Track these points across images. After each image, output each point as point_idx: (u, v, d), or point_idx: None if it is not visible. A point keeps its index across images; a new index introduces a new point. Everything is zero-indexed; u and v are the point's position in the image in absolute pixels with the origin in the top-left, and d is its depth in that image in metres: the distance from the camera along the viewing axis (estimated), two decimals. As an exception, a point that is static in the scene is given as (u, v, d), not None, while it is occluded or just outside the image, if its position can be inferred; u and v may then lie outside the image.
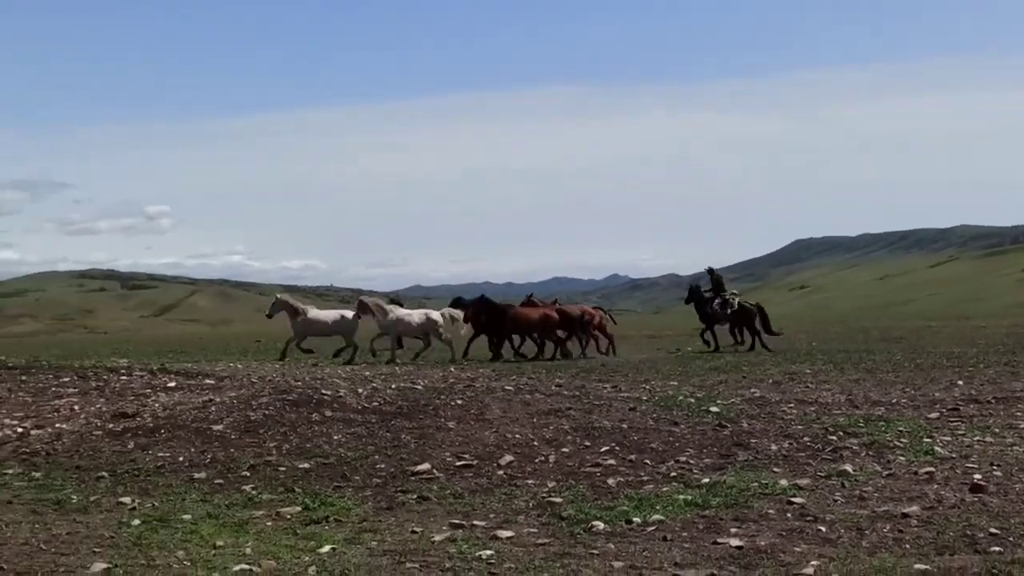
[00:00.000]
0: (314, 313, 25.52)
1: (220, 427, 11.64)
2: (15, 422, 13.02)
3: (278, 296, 26.45)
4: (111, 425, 12.11)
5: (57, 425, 12.48)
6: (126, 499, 8.67)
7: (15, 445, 11.34)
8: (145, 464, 10.11)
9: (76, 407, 13.96)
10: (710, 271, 30.91)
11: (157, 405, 13.45)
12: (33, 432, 12.11)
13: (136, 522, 7.82)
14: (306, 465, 10.05)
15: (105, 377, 17.43)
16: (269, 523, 7.89)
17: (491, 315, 26.21)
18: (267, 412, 12.39)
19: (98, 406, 13.97)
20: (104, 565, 6.52)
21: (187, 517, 7.98)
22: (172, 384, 16.23)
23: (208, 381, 16.60)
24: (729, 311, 28.98)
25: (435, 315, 25.78)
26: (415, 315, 26.02)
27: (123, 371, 18.57)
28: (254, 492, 8.99)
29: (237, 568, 6.46)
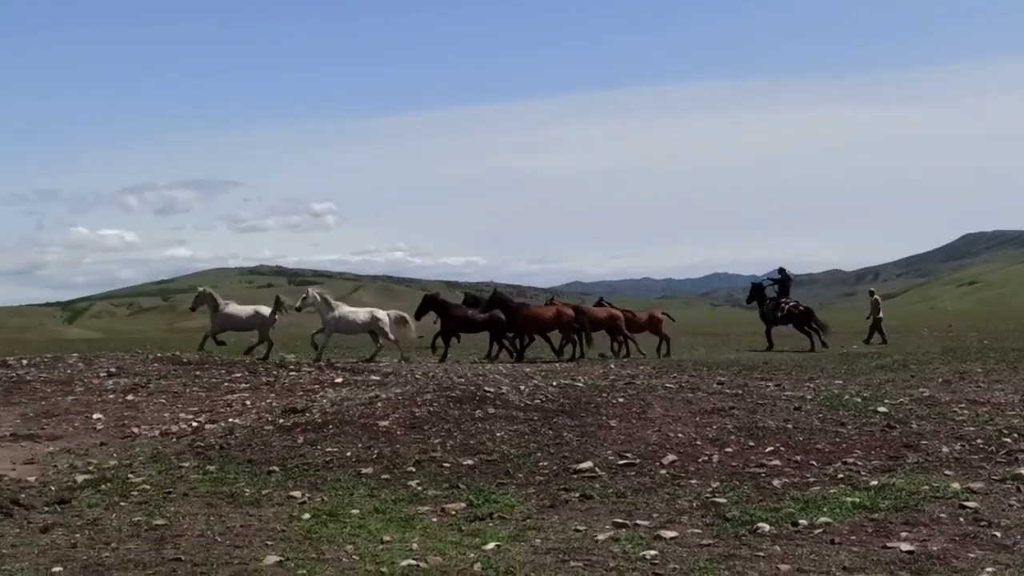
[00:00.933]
0: (232, 308, 25.55)
1: (386, 423, 11.80)
2: (190, 416, 13.53)
3: (201, 290, 26.46)
4: (281, 420, 12.43)
5: (230, 420, 12.90)
6: (296, 493, 8.86)
7: (191, 439, 11.76)
8: (314, 459, 10.32)
9: (248, 402, 14.41)
10: (781, 271, 30.63)
11: (325, 401, 13.74)
12: (207, 426, 12.54)
13: (306, 516, 7.97)
14: (470, 462, 10.09)
15: (275, 373, 17.98)
16: (434, 519, 7.94)
17: (506, 313, 25.85)
18: (431, 408, 12.51)
19: (268, 401, 14.39)
20: (276, 558, 6.66)
21: (355, 512, 8.10)
22: (339, 380, 16.61)
23: (374, 377, 16.91)
24: (779, 314, 28.96)
25: (380, 314, 25.23)
26: (360, 313, 25.52)
27: (292, 367, 19.12)
28: (419, 488, 9.06)
29: (404, 563, 6.50)
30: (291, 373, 17.91)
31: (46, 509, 8.40)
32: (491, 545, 6.99)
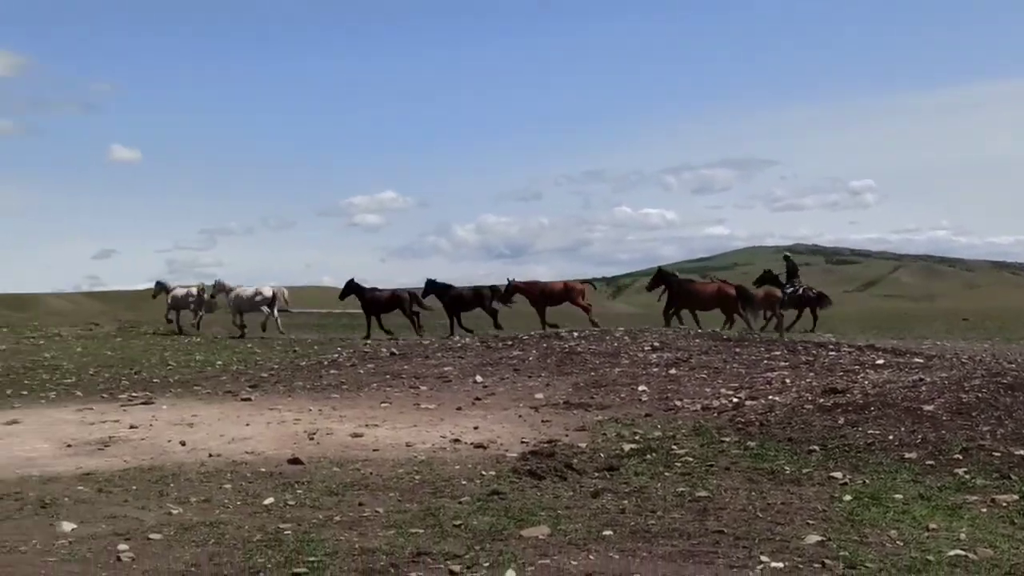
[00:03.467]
0: (177, 290, 30.07)
1: (931, 407, 11.24)
2: (731, 392, 13.84)
3: (158, 281, 31.85)
4: (821, 400, 12.32)
5: (770, 397, 13.02)
6: (837, 474, 8.75)
7: (731, 414, 12.04)
8: (855, 440, 10.11)
9: (787, 380, 14.44)
10: (786, 257, 31.06)
11: (866, 382, 13.41)
12: (747, 403, 12.76)
13: (847, 497, 7.85)
14: (1022, 452, 9.33)
15: (814, 352, 17.82)
16: (983, 509, 7.46)
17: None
18: (980, 395, 11.71)
19: (808, 380, 14.32)
20: (818, 537, 6.63)
21: (898, 496, 7.84)
22: (880, 361, 16.12)
23: (917, 360, 16.21)
24: (785, 298, 29.00)
25: (266, 290, 28.71)
26: (248, 291, 29.13)
27: (831, 347, 18.83)
28: (967, 476, 8.56)
29: (952, 553, 6.20)
30: (830, 353, 17.65)
31: (596, 474, 9.03)
32: (1049, 541, 6.46)
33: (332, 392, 15.69)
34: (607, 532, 6.91)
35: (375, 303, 28.99)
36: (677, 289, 28.28)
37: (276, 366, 19.62)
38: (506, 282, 28.74)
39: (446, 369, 17.62)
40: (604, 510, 7.62)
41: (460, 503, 7.88)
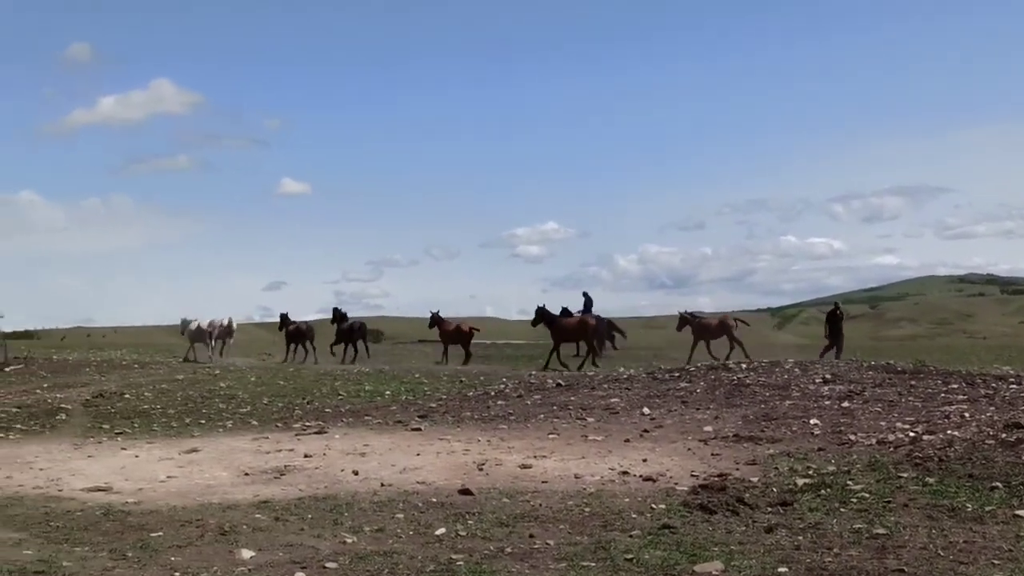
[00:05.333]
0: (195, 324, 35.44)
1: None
2: (907, 426, 13.45)
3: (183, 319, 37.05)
4: (1003, 435, 11.87)
5: (948, 432, 12.60)
6: (1022, 512, 8.42)
7: (908, 449, 11.70)
8: (1043, 477, 9.69)
9: (966, 414, 13.95)
10: (584, 294, 32.84)
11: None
12: (925, 437, 12.38)
13: (1034, 537, 7.56)
14: None
15: (994, 385, 17.15)
16: None
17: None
18: None
19: (988, 414, 13.81)
20: (1003, 578, 6.43)
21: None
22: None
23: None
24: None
25: (209, 323, 34.50)
26: (201, 323, 34.82)
27: (1012, 380, 18.08)
28: None
29: None
30: (1011, 386, 16.94)
31: (769, 510, 8.91)
32: None
33: (500, 423, 15.95)
34: (782, 569, 6.84)
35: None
36: (553, 325, 30.07)
37: (444, 396, 20.07)
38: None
39: (613, 401, 17.67)
40: (778, 546, 7.53)
41: (631, 536, 7.93)
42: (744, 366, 21.54)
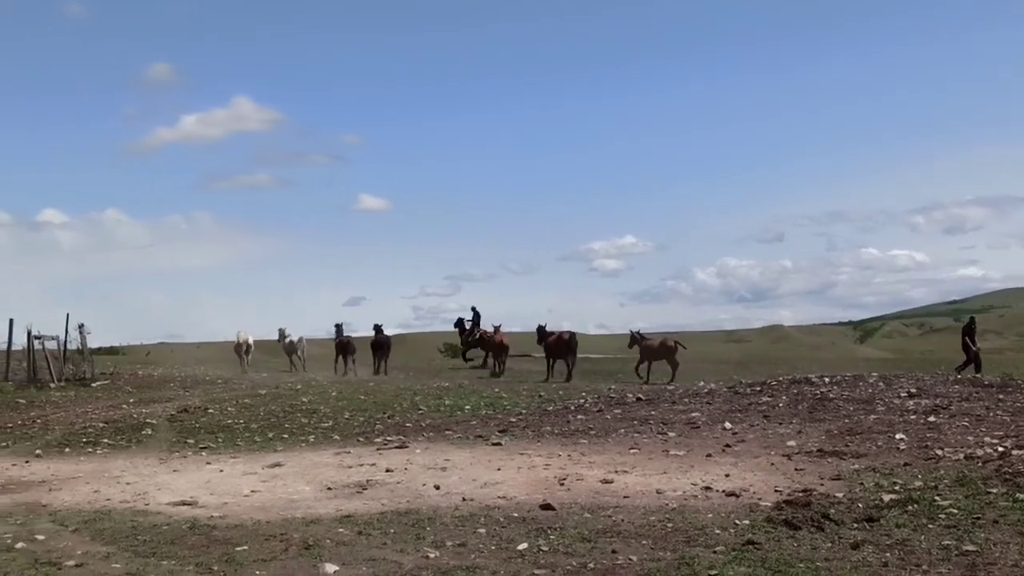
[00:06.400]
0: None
1: None
2: (995, 441, 13.18)
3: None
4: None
5: (1039, 446, 12.32)
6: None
7: (997, 464, 11.46)
8: None
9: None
10: (473, 308, 38.28)
11: None
12: (1014, 452, 12.11)
13: None
14: None
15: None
16: None
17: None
18: None
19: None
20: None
21: None
22: None
23: None
24: (470, 339, 38.01)
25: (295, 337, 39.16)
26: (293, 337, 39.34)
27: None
28: None
29: None
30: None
31: (855, 526, 8.79)
32: None
33: (580, 437, 15.93)
34: (870, 585, 6.77)
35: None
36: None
37: (524, 411, 20.11)
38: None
39: (694, 415, 17.57)
40: (865, 563, 7.44)
41: (714, 552, 7.89)
42: (673, 387, 21.94)
